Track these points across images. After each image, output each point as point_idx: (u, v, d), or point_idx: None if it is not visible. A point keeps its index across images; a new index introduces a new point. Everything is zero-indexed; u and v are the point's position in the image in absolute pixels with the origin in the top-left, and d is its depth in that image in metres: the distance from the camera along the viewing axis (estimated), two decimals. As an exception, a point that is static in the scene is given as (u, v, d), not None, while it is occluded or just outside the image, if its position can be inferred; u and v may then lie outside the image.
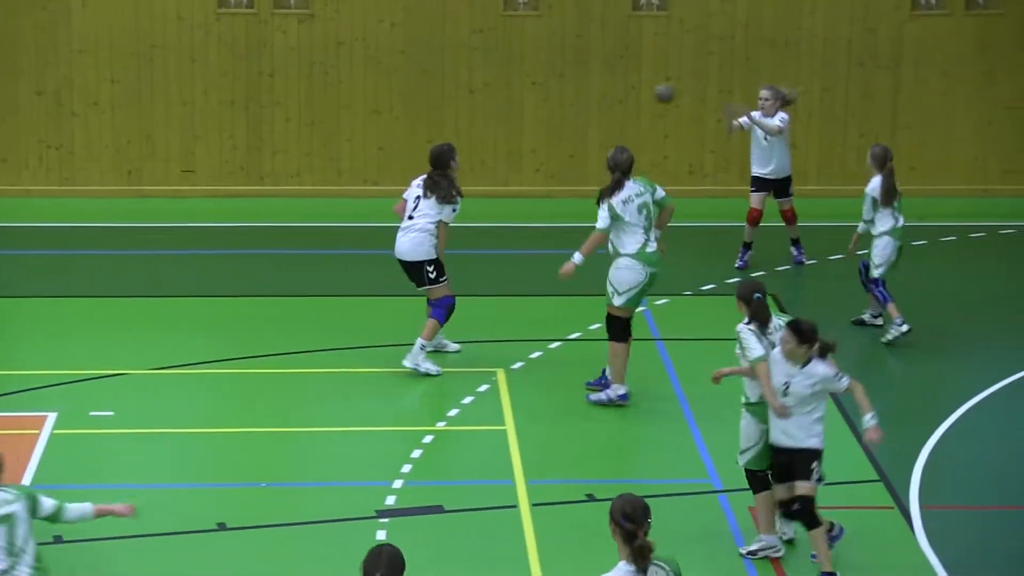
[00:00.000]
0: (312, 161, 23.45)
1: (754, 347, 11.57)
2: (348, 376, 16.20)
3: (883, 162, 16.92)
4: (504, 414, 15.74)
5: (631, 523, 8.17)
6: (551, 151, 23.80)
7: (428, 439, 14.78)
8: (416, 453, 14.31)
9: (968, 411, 15.27)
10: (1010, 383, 16.20)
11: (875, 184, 16.80)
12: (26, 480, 14.15)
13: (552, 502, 13.66)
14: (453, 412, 15.67)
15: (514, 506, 13.54)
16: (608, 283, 14.61)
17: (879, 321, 17.39)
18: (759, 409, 12.07)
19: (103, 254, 21.73)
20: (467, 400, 15.98)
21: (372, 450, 14.52)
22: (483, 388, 16.39)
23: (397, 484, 13.65)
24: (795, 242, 19.81)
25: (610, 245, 14.63)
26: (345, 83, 23.40)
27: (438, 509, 13.17)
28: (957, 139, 23.38)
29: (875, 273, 17.12)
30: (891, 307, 17.12)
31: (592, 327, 17.94)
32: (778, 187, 19.46)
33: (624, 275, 14.46)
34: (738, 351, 11.84)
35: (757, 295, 12.04)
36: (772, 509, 12.45)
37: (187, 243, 22.03)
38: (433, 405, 16.13)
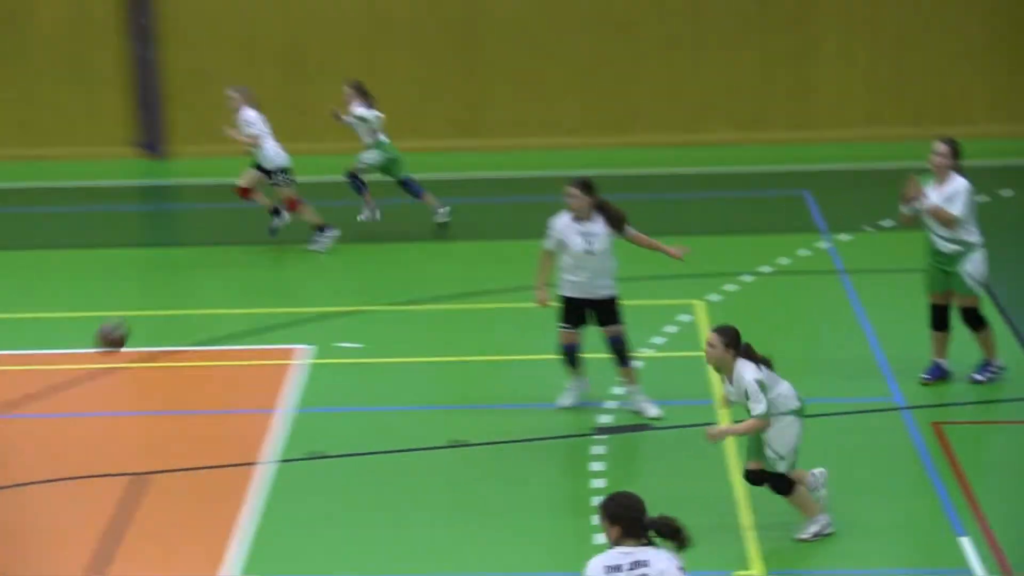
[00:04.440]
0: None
1: (761, 401, 11.14)
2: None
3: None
4: (702, 341, 16.51)
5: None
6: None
7: (637, 364, 15.34)
8: (627, 377, 15.40)
9: None
10: None
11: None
12: (289, 404, 15.52)
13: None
14: (658, 340, 16.65)
15: (713, 423, 14.05)
16: (966, 276, 14.35)
17: None
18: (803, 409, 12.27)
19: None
20: (670, 329, 17.01)
21: (588, 375, 14.99)
22: (684, 318, 17.41)
23: (611, 404, 14.74)
24: None
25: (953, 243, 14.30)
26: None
27: (646, 427, 14.18)
28: None
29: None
30: None
31: (782, 261, 19.00)
32: None
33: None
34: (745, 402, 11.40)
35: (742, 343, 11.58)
36: (807, 495, 12.55)
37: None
38: (640, 333, 16.36)
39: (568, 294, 14.34)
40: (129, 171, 25.49)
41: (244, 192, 20.86)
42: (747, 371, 11.86)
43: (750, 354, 12.02)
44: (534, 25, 25.29)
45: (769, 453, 12.12)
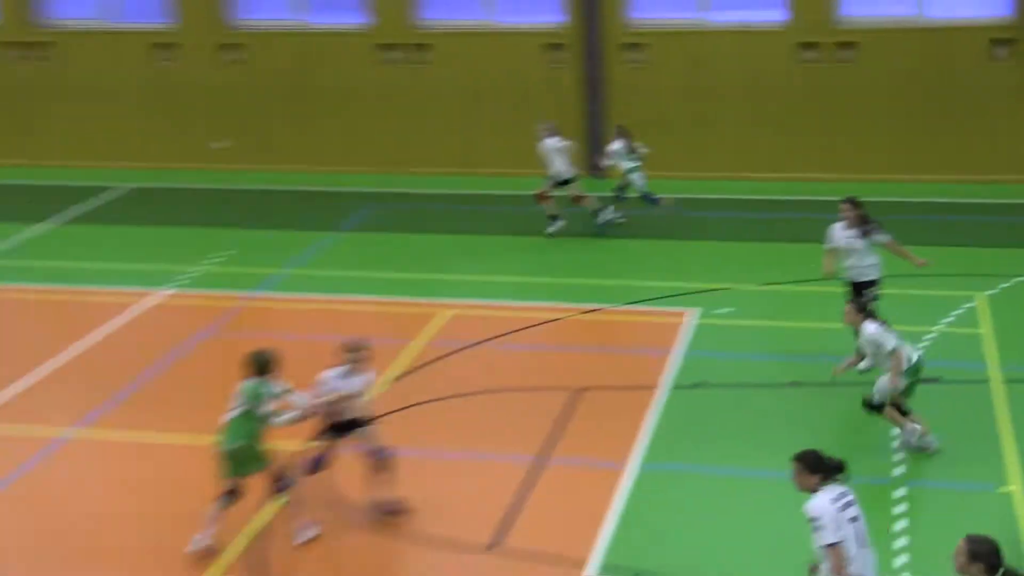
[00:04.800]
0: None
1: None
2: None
3: None
4: (982, 323, 18.85)
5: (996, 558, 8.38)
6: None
7: (928, 338, 17.79)
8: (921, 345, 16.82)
9: None
10: None
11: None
12: (680, 349, 17.96)
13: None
14: (947, 319, 18.84)
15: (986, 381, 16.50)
16: None
17: None
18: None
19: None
20: (958, 311, 19.25)
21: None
22: (967, 304, 19.44)
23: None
24: None
25: None
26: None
27: (936, 380, 16.03)
28: None
29: None
30: None
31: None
32: None
33: None
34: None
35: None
36: (895, 414, 14.64)
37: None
38: (935, 314, 18.86)
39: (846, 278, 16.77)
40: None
41: (541, 198, 23.84)
42: (870, 327, 14.70)
43: (872, 315, 14.91)
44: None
45: (875, 389, 14.76)
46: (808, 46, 26.73)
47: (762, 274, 21.50)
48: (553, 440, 15.86)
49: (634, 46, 27.52)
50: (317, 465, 13.96)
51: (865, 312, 14.93)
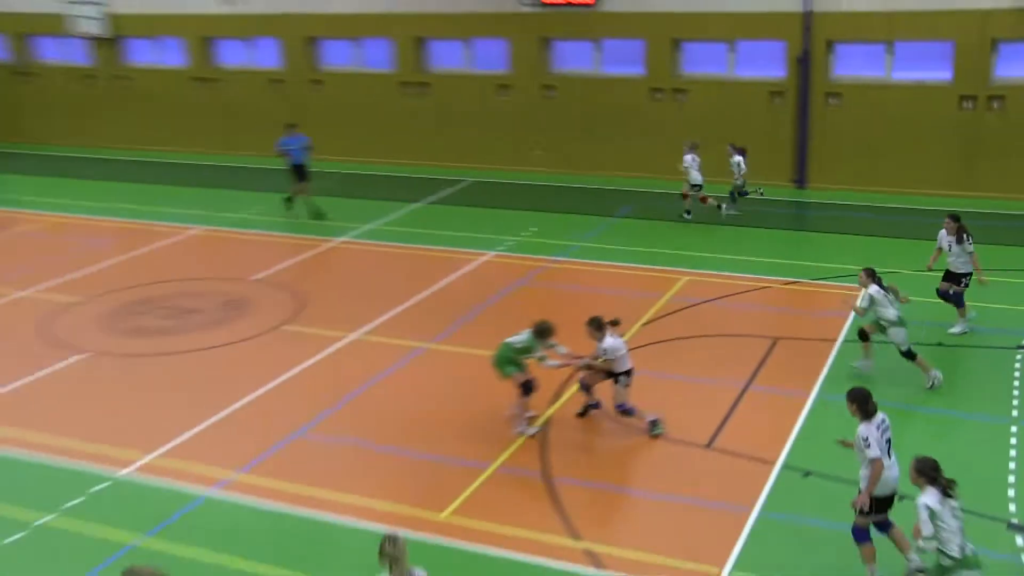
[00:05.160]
0: None
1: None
2: None
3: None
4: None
5: (935, 472, 8.74)
6: None
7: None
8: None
9: None
10: None
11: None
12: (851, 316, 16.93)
13: None
14: None
15: None
16: None
17: None
18: None
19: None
20: None
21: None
22: None
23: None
24: None
25: None
26: None
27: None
28: None
29: None
30: None
31: None
32: None
33: None
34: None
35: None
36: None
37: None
38: None
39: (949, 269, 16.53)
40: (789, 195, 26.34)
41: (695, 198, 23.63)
42: (871, 288, 14.50)
43: (878, 281, 14.58)
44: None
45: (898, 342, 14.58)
46: (966, 98, 25.53)
47: (916, 262, 19.82)
48: (755, 373, 15.74)
49: (835, 95, 26.75)
50: (587, 388, 14.14)
51: (873, 277, 14.64)
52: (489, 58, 30.06)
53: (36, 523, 12.13)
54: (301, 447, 13.87)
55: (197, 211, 26.60)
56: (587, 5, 28.12)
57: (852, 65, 26.70)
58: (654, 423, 13.72)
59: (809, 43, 26.24)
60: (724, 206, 23.94)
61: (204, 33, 33.11)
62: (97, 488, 12.83)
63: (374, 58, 31.27)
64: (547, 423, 14.07)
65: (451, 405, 14.78)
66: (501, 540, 11.37)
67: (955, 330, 16.60)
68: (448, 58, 30.57)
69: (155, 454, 13.69)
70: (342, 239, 23.62)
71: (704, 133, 26.38)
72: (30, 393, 15.88)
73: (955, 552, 8.73)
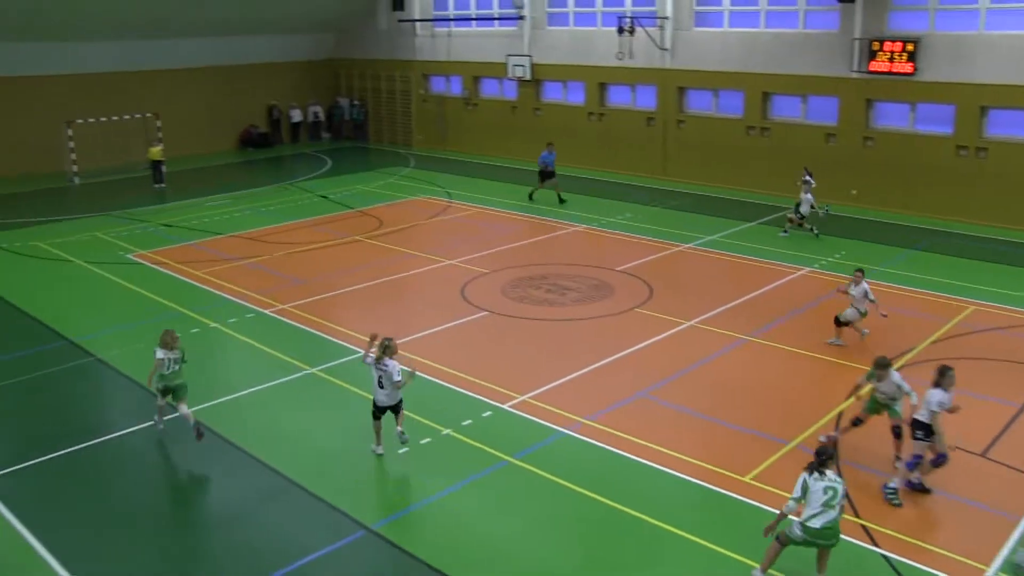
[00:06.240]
0: None
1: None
2: None
3: None
4: None
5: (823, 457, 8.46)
6: None
7: None
8: None
9: None
10: None
11: None
12: None
13: None
14: None
15: None
16: None
17: None
18: None
19: None
20: None
21: None
22: None
23: None
24: None
25: None
26: None
27: None
28: None
29: None
30: None
31: None
32: None
33: None
34: None
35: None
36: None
37: None
38: None
39: None
40: None
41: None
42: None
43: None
44: None
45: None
46: None
47: None
48: (1029, 396, 13.80)
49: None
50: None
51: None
52: (821, 111, 28.47)
53: (443, 433, 12.62)
54: (639, 406, 13.58)
55: (580, 213, 26.65)
56: (907, 74, 26.05)
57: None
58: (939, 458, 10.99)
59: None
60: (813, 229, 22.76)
61: (599, 80, 33.24)
62: (485, 414, 13.13)
63: (728, 105, 30.51)
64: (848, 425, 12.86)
65: (761, 388, 14.06)
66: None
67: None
68: (787, 109, 29.29)
69: (528, 395, 13.80)
70: (688, 245, 22.99)
71: (1000, 188, 23.90)
72: (448, 336, 16.33)
73: None
